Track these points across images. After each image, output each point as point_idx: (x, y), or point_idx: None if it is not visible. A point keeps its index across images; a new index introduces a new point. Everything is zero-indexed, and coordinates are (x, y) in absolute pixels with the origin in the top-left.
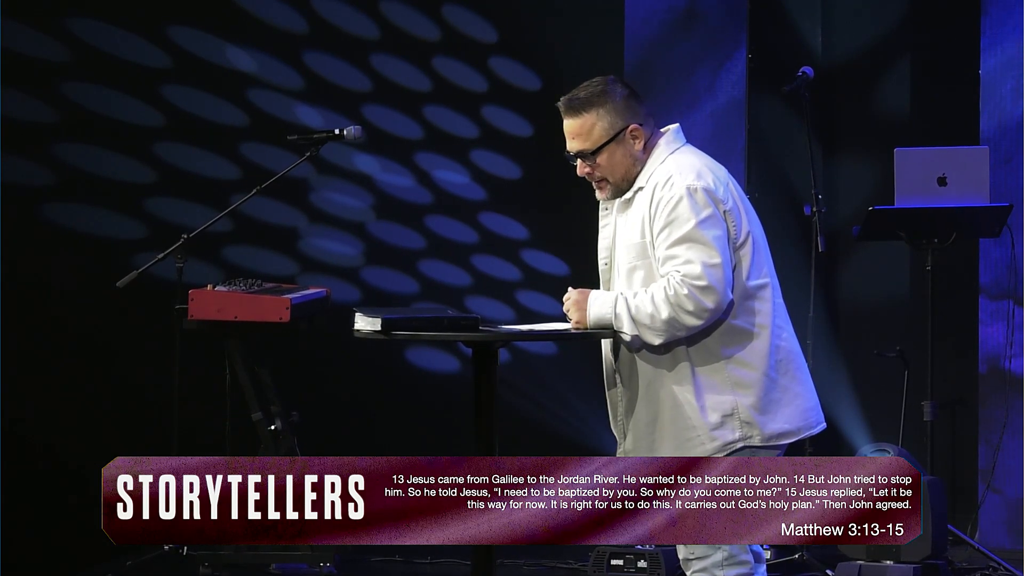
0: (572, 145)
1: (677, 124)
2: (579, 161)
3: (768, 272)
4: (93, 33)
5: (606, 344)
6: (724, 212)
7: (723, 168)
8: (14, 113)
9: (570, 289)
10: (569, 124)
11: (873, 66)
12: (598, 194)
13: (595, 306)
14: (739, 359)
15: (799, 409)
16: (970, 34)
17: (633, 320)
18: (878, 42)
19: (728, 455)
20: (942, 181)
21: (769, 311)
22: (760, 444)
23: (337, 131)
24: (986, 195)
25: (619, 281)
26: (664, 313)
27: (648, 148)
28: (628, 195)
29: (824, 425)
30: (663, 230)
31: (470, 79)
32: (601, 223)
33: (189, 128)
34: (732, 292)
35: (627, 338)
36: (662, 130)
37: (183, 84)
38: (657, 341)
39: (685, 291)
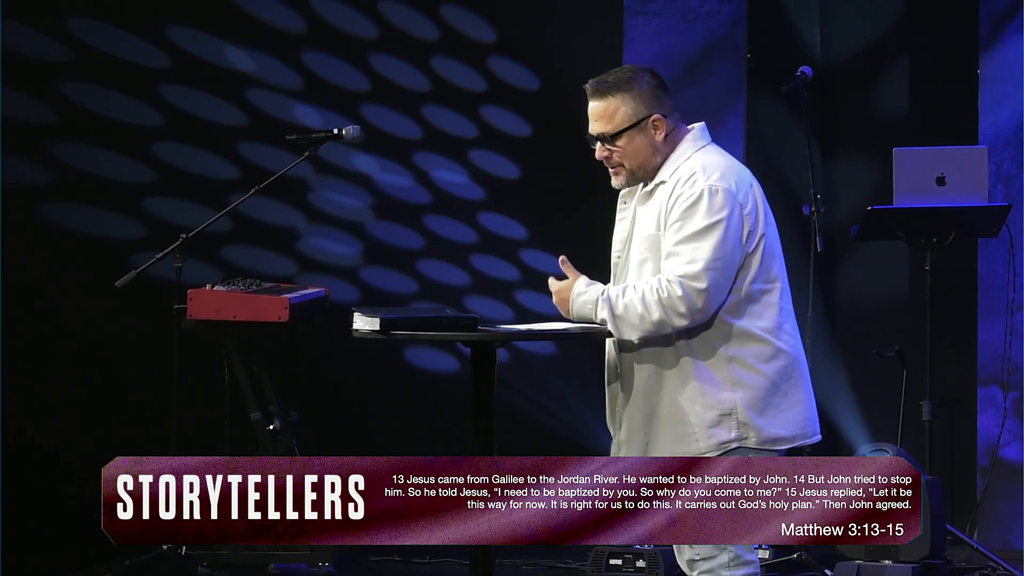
0: (594, 127)
1: (703, 123)
2: (598, 144)
3: (779, 276)
4: (93, 33)
5: (610, 340)
6: (743, 215)
7: (748, 170)
8: (14, 113)
9: (552, 280)
10: (594, 106)
11: (872, 66)
12: (613, 180)
13: (577, 303)
14: (741, 359)
15: (798, 417)
16: (969, 34)
17: (616, 318)
18: (877, 42)
19: (721, 455)
20: (941, 181)
21: (774, 315)
22: (755, 446)
23: (336, 131)
24: (985, 195)
25: (630, 273)
26: (655, 315)
27: (671, 142)
28: (649, 187)
29: (819, 437)
30: (675, 223)
31: (469, 79)
32: (618, 216)
33: (188, 128)
34: (730, 295)
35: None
36: (688, 127)
37: (182, 84)
38: (635, 337)
39: (680, 292)
